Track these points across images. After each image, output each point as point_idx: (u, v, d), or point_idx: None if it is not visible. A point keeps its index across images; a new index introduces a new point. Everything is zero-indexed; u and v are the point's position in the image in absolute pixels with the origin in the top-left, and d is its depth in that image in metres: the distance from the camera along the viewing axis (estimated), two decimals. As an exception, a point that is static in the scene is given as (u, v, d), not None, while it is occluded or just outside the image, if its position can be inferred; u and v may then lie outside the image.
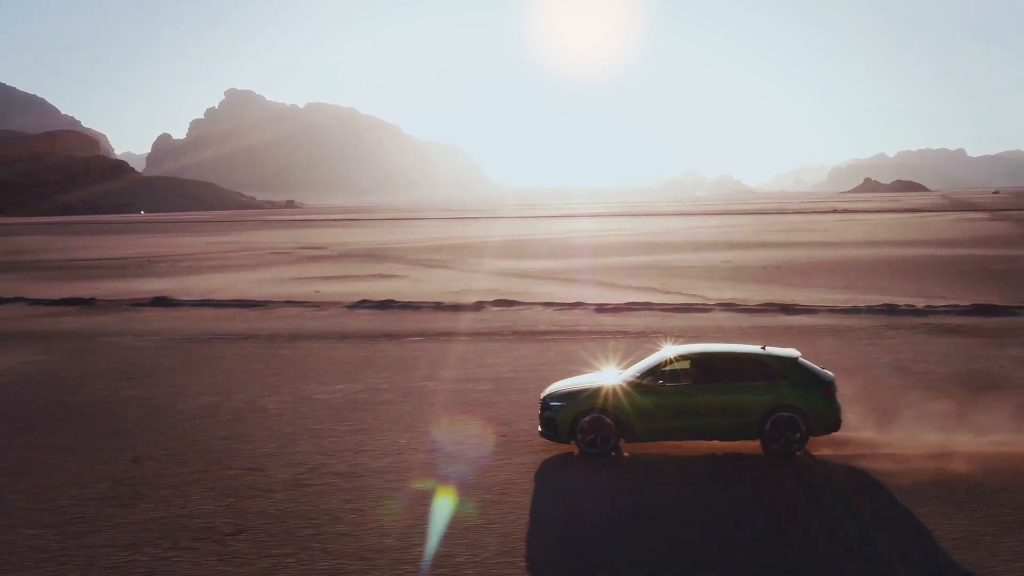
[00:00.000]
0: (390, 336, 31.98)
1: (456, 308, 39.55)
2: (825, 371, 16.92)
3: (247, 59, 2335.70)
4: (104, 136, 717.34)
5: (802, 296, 41.13)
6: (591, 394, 16.34)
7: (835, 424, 16.35)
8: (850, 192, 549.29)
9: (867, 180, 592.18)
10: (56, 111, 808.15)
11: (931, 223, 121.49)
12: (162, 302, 43.83)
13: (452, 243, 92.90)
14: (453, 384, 23.31)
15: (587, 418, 16.10)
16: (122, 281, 56.35)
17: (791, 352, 17.03)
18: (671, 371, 16.50)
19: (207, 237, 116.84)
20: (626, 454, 16.46)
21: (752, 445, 16.38)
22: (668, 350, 17.00)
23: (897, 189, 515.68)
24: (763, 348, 17.12)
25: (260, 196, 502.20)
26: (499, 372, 24.80)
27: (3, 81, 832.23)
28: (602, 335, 31.17)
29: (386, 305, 41.02)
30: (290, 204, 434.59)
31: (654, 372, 16.48)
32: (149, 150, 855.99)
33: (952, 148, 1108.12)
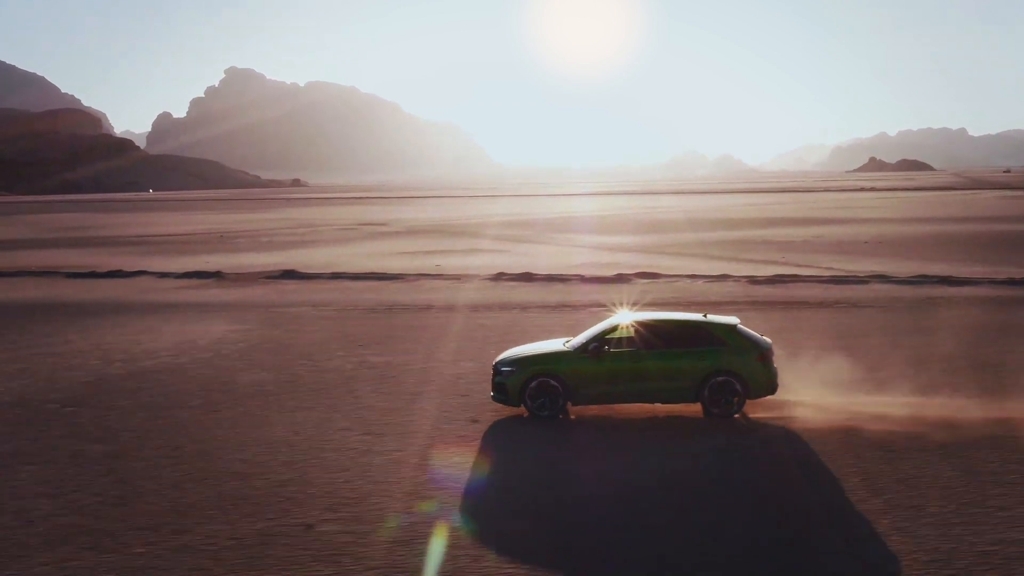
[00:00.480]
0: (571, 307, 32.02)
1: (600, 280, 39.59)
2: (763, 337, 17.53)
3: (247, 38, 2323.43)
4: (104, 115, 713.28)
5: (937, 268, 41.22)
6: (540, 360, 17.11)
7: (771, 387, 17.00)
8: (855, 171, 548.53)
9: (872, 159, 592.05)
10: (56, 89, 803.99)
11: (969, 200, 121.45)
12: (292, 275, 43.88)
13: (516, 220, 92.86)
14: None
15: (535, 382, 16.80)
16: (220, 256, 56.24)
17: (731, 320, 17.75)
18: (616, 338, 17.15)
19: (245, 215, 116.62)
20: (572, 416, 17.07)
21: (693, 408, 17.03)
22: (613, 318, 17.77)
23: (902, 168, 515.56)
24: (704, 316, 17.85)
25: (262, 175, 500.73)
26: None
27: (3, 59, 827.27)
28: (786, 305, 31.27)
29: (527, 278, 41.11)
30: (296, 183, 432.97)
31: (600, 339, 17.10)
32: (149, 129, 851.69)
33: (954, 127, 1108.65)
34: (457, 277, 41.77)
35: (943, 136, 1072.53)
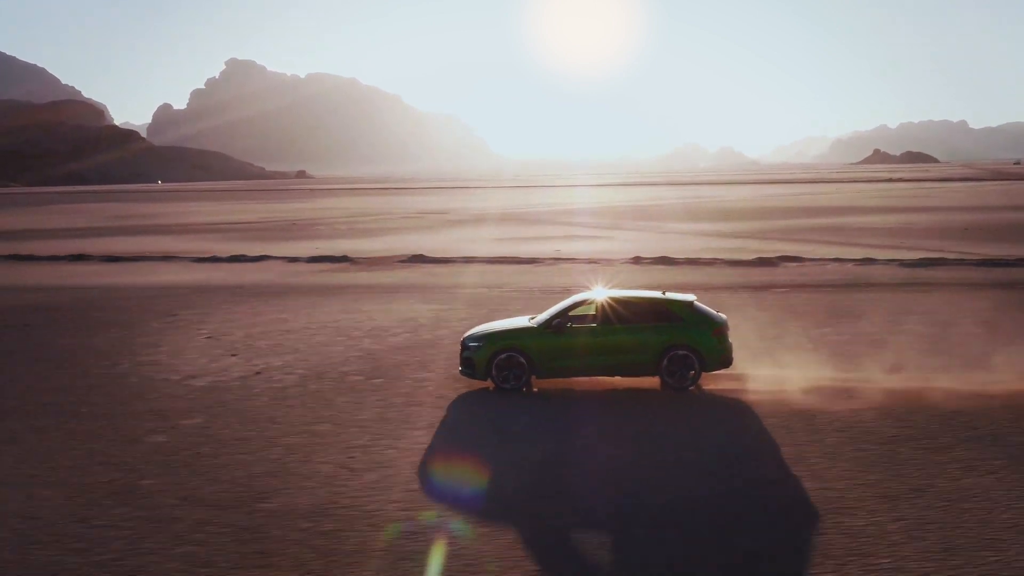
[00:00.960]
0: (755, 288, 32.00)
1: (743, 264, 39.61)
2: (719, 313, 18.18)
3: (248, 29, 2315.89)
4: (105, 106, 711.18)
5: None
6: (505, 335, 17.63)
7: (726, 361, 17.58)
8: (859, 164, 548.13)
9: (876, 151, 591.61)
10: (57, 80, 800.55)
11: (1010, 190, 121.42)
12: (422, 259, 43.90)
13: (578, 208, 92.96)
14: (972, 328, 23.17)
15: (501, 357, 17.30)
16: (318, 242, 56.10)
17: (688, 297, 18.33)
18: (578, 315, 17.76)
19: (289, 204, 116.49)
20: (536, 389, 17.53)
21: (651, 381, 17.58)
22: (578, 295, 18.43)
23: (907, 160, 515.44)
24: (663, 293, 18.58)
25: (266, 166, 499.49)
26: (946, 319, 24.65)
27: (4, 50, 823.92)
28: (952, 287, 31.29)
29: (667, 261, 41.17)
30: (301, 175, 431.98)
31: (562, 315, 17.68)
32: (149, 120, 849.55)
33: (954, 120, 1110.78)
34: (595, 261, 41.82)
35: (944, 128, 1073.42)
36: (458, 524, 10.97)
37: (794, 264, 39.28)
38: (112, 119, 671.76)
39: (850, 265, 38.52)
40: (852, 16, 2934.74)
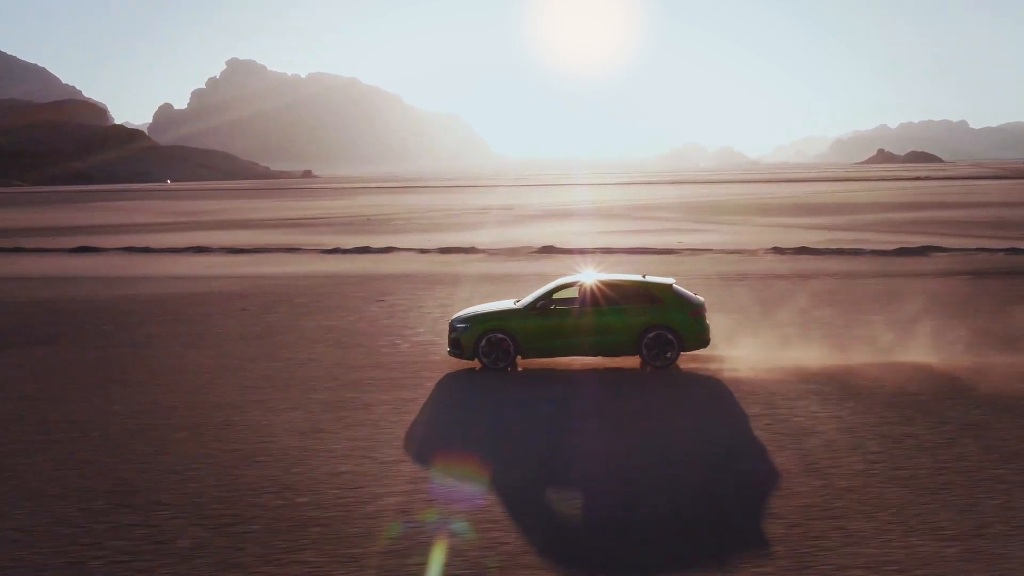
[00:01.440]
0: (916, 275, 32.10)
1: (887, 253, 39.67)
2: (697, 296, 18.76)
3: (248, 29, 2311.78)
4: (105, 106, 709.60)
5: None
6: (491, 317, 18.19)
7: (704, 341, 18.14)
8: (863, 163, 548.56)
9: (880, 151, 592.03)
10: (57, 80, 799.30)
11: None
12: (550, 250, 43.90)
13: (640, 204, 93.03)
14: None
15: (488, 338, 17.83)
16: (416, 235, 56.06)
17: (667, 280, 18.87)
18: (562, 297, 18.30)
19: (337, 202, 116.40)
20: (520, 368, 18.01)
21: (633, 360, 18.15)
22: (562, 279, 18.92)
23: (912, 160, 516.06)
24: (643, 276, 18.97)
25: (271, 166, 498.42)
26: None
27: (4, 50, 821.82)
28: None
29: (802, 251, 41.26)
30: (307, 175, 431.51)
31: (546, 298, 18.20)
32: (150, 120, 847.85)
33: (955, 120, 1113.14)
34: (738, 251, 41.82)
35: (944, 128, 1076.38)
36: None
37: (943, 254, 39.33)
38: (113, 119, 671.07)
39: (1000, 255, 38.59)
40: (851, 16, 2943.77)
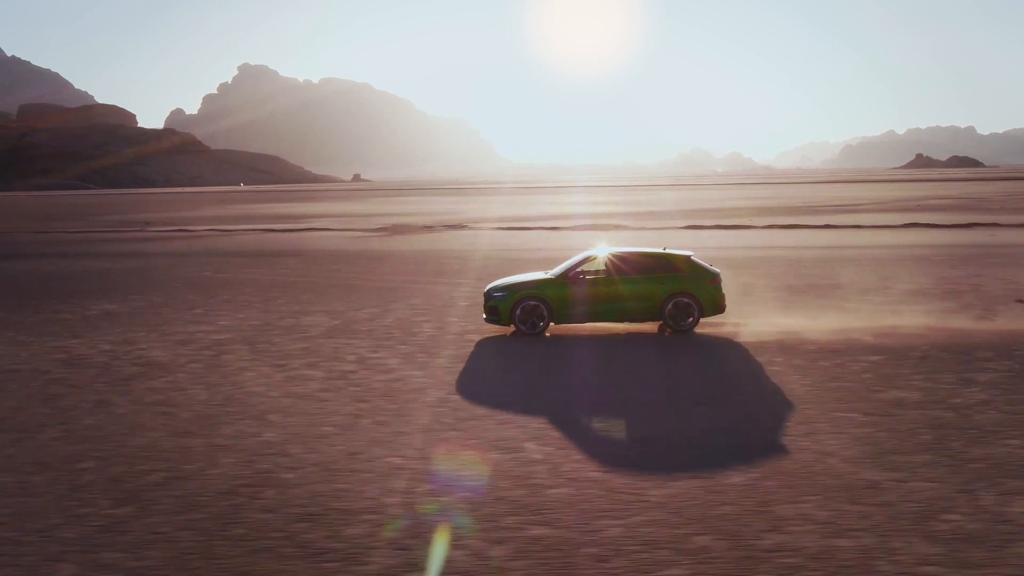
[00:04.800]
0: None
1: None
2: (712, 267, 20.42)
3: (260, 34, 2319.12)
4: (134, 113, 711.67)
5: None
6: (528, 286, 19.70)
7: (720, 307, 19.84)
8: (903, 168, 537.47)
9: (919, 155, 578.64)
10: (70, 85, 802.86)
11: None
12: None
13: (708, 208, 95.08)
14: None
15: (524, 305, 19.39)
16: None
17: (686, 252, 20.62)
18: (591, 268, 19.95)
19: (472, 203, 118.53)
20: (548, 334, 19.70)
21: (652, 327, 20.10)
22: (590, 251, 20.64)
23: (954, 165, 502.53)
24: (664, 249, 20.84)
25: (312, 170, 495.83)
26: None
27: (18, 55, 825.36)
28: None
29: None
30: (356, 178, 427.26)
31: (577, 268, 19.84)
32: (161, 125, 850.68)
33: (962, 126, 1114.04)
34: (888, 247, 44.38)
35: (951, 134, 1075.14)
36: None
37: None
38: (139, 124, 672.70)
39: None
40: (858, 22, 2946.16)
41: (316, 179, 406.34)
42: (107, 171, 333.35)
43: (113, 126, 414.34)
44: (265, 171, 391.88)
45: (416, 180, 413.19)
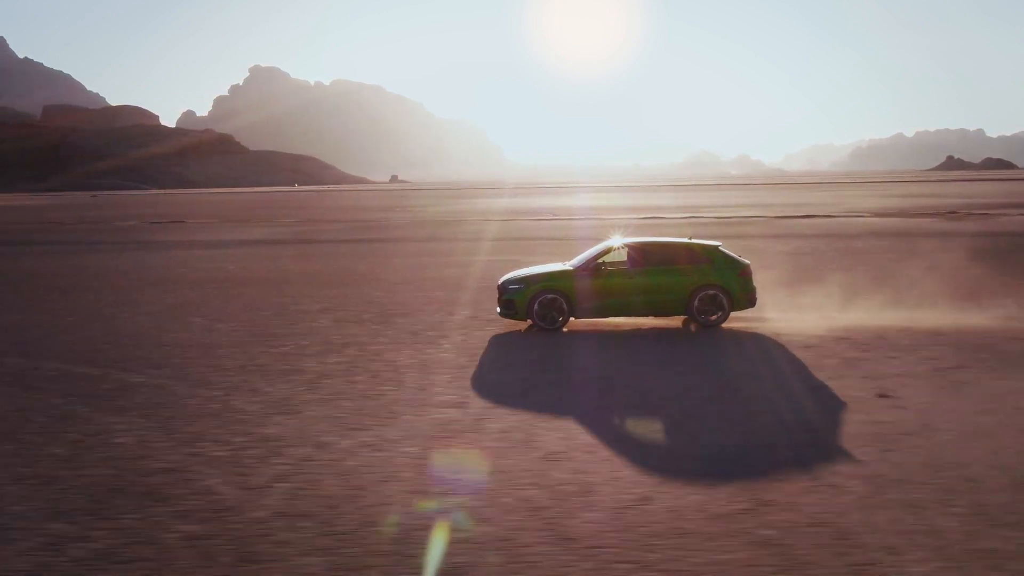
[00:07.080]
0: None
1: None
2: (742, 258, 19.00)
3: (265, 35, 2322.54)
4: (157, 116, 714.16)
5: None
6: (545, 278, 18.26)
7: (751, 301, 18.40)
8: (934, 169, 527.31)
9: (949, 158, 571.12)
10: (81, 86, 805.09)
11: None
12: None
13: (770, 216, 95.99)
14: None
15: (542, 298, 17.95)
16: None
17: (714, 242, 19.14)
18: (611, 260, 18.55)
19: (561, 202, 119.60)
20: (565, 329, 18.19)
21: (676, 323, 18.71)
22: (610, 241, 19.02)
23: (989, 167, 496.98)
24: (690, 238, 19.43)
25: (345, 171, 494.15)
26: None
27: (30, 56, 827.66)
28: None
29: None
30: (394, 179, 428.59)
31: (597, 259, 18.41)
32: (174, 126, 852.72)
33: (971, 128, 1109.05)
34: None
35: (960, 137, 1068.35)
36: None
37: None
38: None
39: None
40: (859, 23, 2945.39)
41: (353, 180, 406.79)
42: (144, 169, 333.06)
43: (149, 126, 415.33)
44: (304, 172, 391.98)
45: (457, 182, 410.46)
